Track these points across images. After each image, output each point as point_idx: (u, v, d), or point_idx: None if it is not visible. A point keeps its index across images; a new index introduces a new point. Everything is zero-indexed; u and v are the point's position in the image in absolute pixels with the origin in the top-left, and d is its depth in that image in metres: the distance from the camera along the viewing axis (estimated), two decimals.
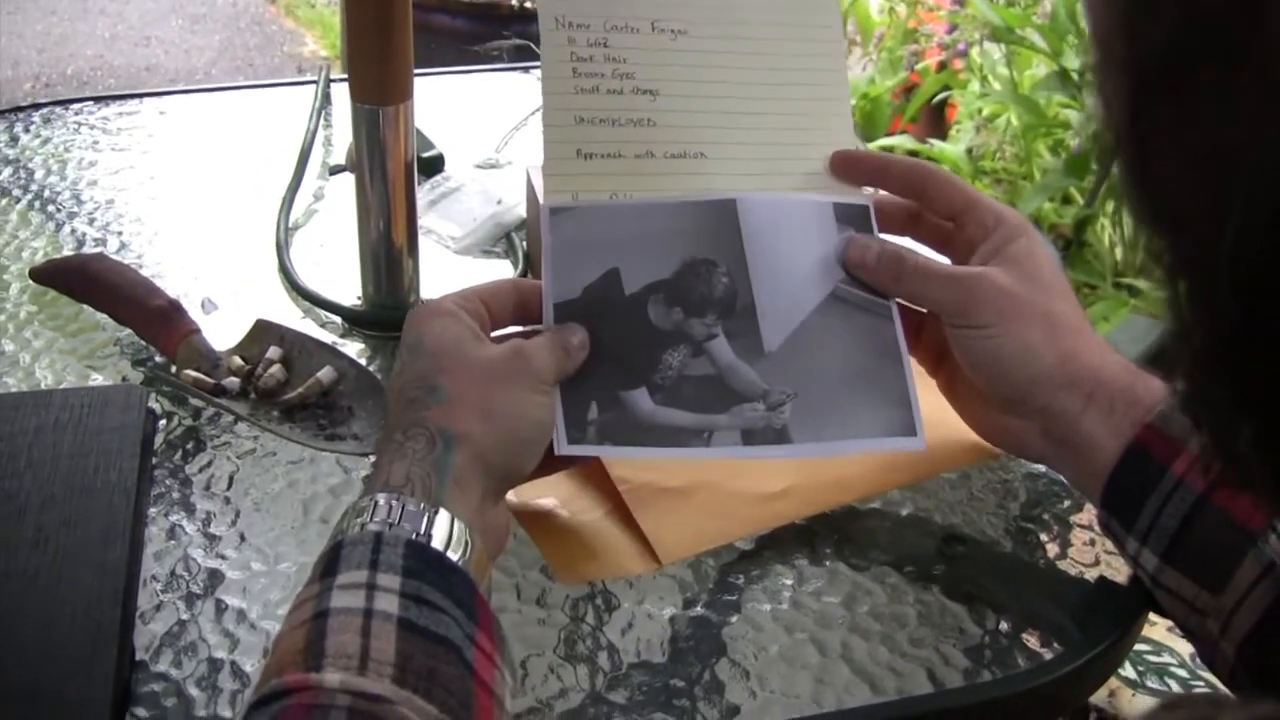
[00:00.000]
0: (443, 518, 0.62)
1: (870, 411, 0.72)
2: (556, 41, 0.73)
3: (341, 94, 1.24)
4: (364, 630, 0.57)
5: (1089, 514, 0.82)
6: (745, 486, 0.77)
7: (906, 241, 0.77)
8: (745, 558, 0.77)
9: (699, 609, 0.74)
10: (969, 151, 2.76)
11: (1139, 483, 0.69)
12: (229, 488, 0.81)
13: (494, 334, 0.71)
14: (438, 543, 0.61)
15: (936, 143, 2.83)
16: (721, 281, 0.72)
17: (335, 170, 0.95)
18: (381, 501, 0.62)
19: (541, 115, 0.73)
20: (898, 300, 0.75)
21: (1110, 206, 2.44)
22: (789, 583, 0.76)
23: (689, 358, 0.71)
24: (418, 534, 0.61)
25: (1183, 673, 1.22)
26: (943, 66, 2.98)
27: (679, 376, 0.71)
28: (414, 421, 0.65)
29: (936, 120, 3.12)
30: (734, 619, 0.74)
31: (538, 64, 0.78)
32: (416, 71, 0.90)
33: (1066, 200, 2.60)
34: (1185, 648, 1.24)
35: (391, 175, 0.91)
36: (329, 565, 0.60)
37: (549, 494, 0.77)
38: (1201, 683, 1.21)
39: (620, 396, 0.69)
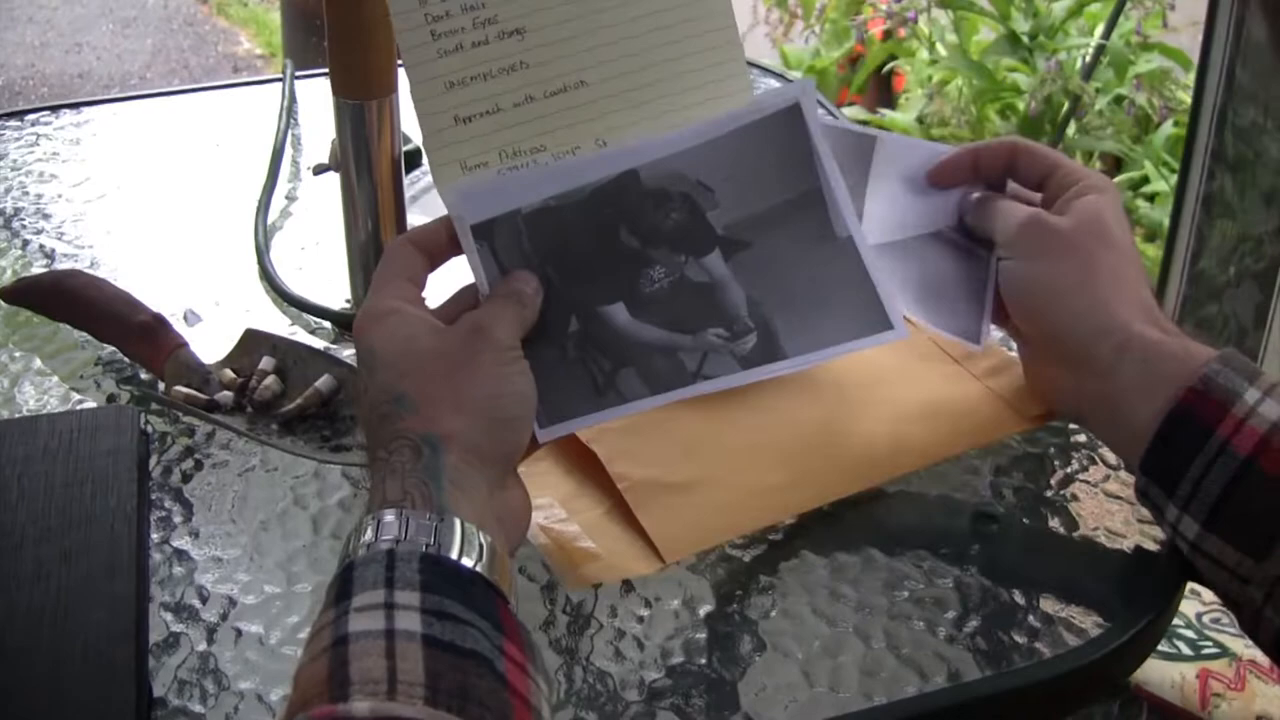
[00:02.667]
0: (451, 525, 0.59)
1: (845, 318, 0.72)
2: (404, 6, 0.68)
3: (304, 91, 1.21)
4: (388, 652, 0.54)
5: (1119, 483, 0.80)
6: (750, 479, 0.74)
7: None
8: (776, 549, 0.75)
9: (735, 604, 0.71)
10: (920, 119, 2.75)
11: (1181, 448, 0.68)
12: (233, 508, 0.77)
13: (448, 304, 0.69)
14: (451, 552, 0.58)
15: (887, 112, 2.82)
16: (671, 217, 0.70)
17: (319, 169, 0.91)
18: (387, 518, 0.59)
19: (409, 90, 0.68)
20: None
21: None
22: (824, 573, 0.73)
23: (668, 275, 0.70)
24: (428, 546, 0.58)
25: (1190, 633, 1.21)
26: (888, 36, 2.96)
27: (663, 290, 0.69)
28: (392, 435, 0.62)
29: (884, 90, 3.11)
30: (773, 614, 0.71)
31: None
32: None
33: None
34: (1191, 608, 1.22)
35: (378, 172, 0.88)
36: (342, 589, 0.57)
37: (546, 493, 0.74)
38: (1209, 643, 1.20)
39: (598, 311, 0.68)
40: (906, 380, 0.83)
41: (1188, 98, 2.57)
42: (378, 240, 0.90)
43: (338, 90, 0.86)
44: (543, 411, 0.67)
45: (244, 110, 1.22)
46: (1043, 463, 0.82)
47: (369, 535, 0.59)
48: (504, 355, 0.65)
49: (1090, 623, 0.71)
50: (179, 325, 0.90)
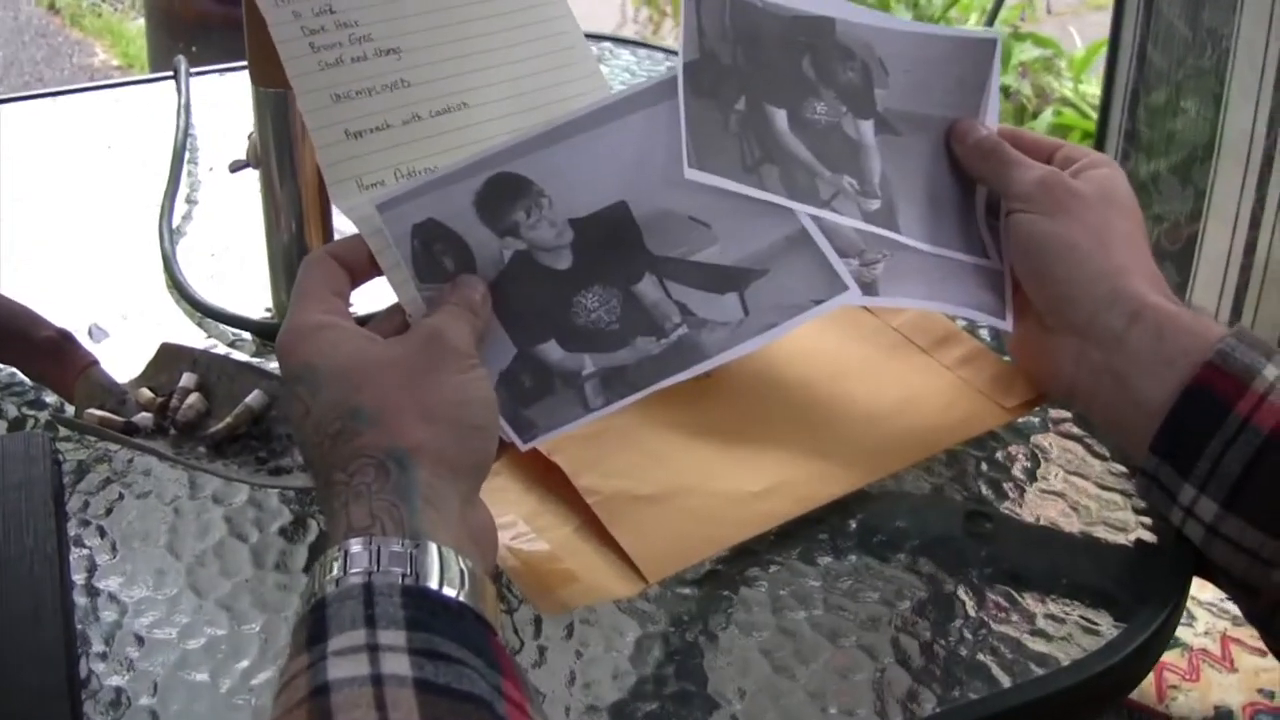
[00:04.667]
0: (427, 551, 0.53)
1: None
2: (282, 19, 0.66)
3: (201, 88, 1.14)
4: (378, 702, 0.47)
5: (1115, 476, 0.76)
6: (726, 487, 0.70)
7: None
8: (761, 560, 0.69)
9: (728, 624, 0.65)
10: None
11: (1198, 425, 0.65)
12: (166, 541, 0.70)
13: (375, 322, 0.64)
14: (431, 581, 0.52)
15: None
16: (849, 73, 0.73)
17: (237, 166, 0.83)
18: (356, 548, 0.52)
19: (299, 101, 0.66)
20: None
21: None
22: (817, 584, 0.68)
23: (828, 116, 0.73)
24: (405, 576, 0.52)
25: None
26: None
27: (820, 124, 0.73)
28: (351, 455, 0.56)
29: None
30: (767, 631, 0.65)
31: None
32: None
33: None
34: None
35: (302, 168, 0.81)
36: (315, 630, 0.50)
37: (508, 511, 0.68)
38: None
39: (763, 106, 0.70)
40: (877, 375, 0.79)
41: (1064, 86, 2.58)
42: (301, 242, 0.83)
43: (257, 80, 0.79)
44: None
45: (133, 111, 1.15)
46: (1031, 455, 0.77)
47: (336, 569, 0.52)
48: (464, 362, 0.60)
49: (1106, 623, 0.67)
50: (84, 342, 0.80)
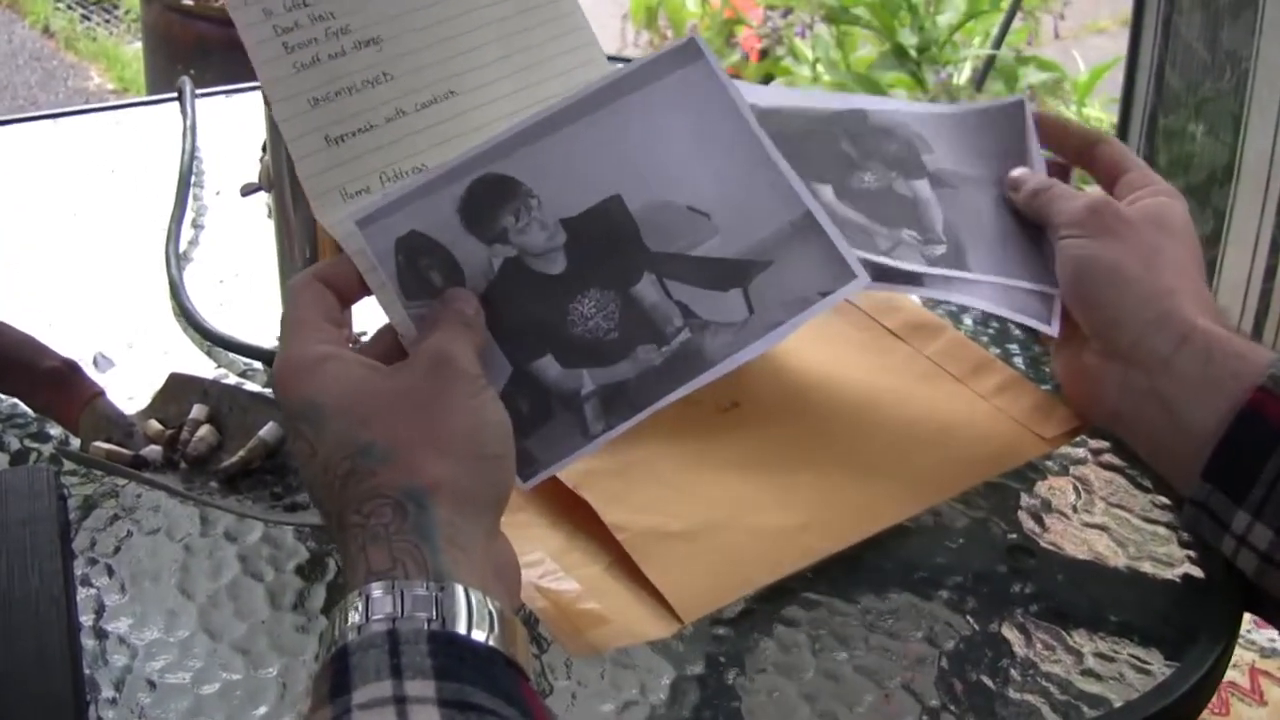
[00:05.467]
0: (453, 594, 0.50)
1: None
2: (250, 19, 0.62)
3: (204, 110, 1.11)
4: None
5: (1159, 509, 0.74)
6: (760, 522, 0.67)
7: None
8: (799, 598, 0.66)
9: (767, 666, 0.63)
10: None
11: (1251, 450, 0.64)
12: (177, 581, 0.67)
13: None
14: (459, 625, 0.50)
15: None
16: (892, 146, 0.74)
17: (249, 190, 0.81)
18: (377, 593, 0.50)
19: (271, 111, 0.63)
20: None
21: None
22: (857, 623, 0.65)
23: (877, 181, 0.72)
24: (430, 622, 0.49)
25: None
26: (764, 55, 2.93)
27: (870, 189, 0.73)
28: (365, 495, 0.53)
29: None
30: (808, 672, 0.62)
31: None
32: None
33: None
34: None
35: None
36: (338, 681, 0.48)
37: (535, 549, 0.65)
38: None
39: (809, 182, 0.67)
40: (910, 405, 0.77)
41: (1069, 110, 2.57)
42: None
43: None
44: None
45: (135, 134, 1.12)
46: (1072, 487, 0.75)
47: (357, 616, 0.50)
48: (474, 385, 0.57)
49: (1157, 661, 0.64)
50: (89, 372, 0.78)
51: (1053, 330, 0.72)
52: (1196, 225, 0.74)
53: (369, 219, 0.61)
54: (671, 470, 0.69)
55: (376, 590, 0.50)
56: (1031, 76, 2.53)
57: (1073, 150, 0.79)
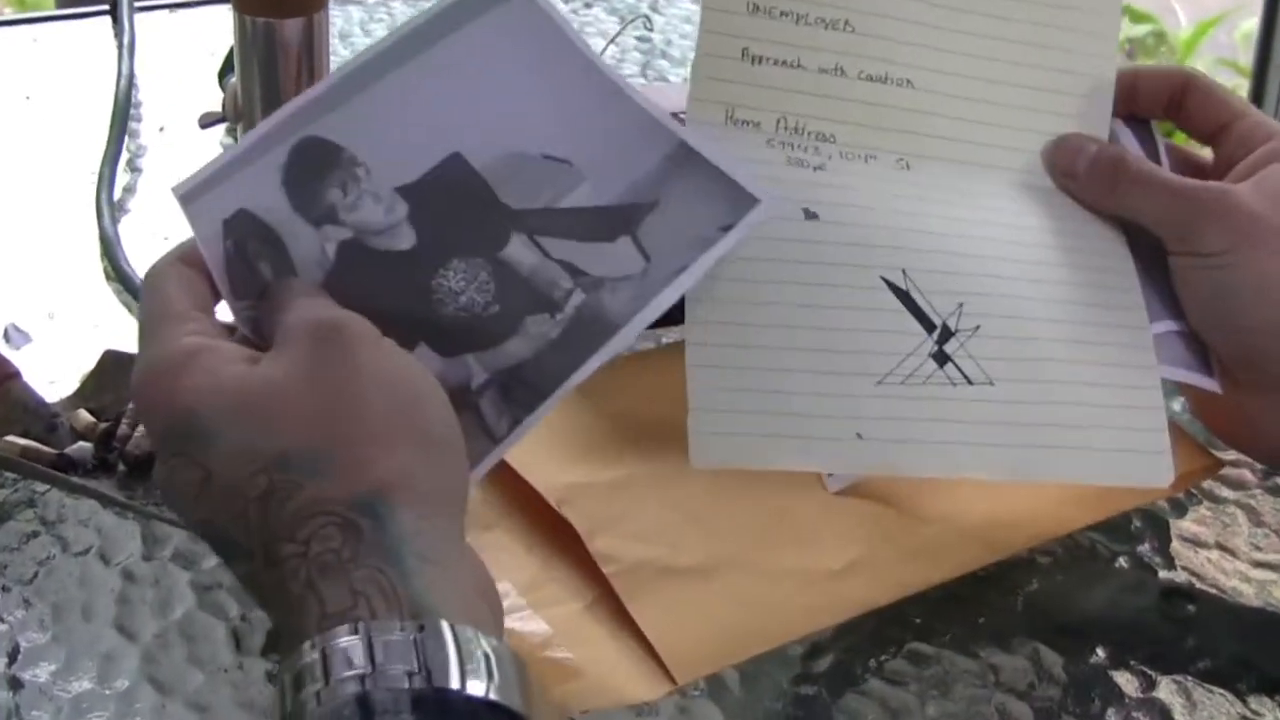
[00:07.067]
0: (440, 632, 0.47)
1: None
2: None
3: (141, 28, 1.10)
4: None
5: None
6: (795, 561, 0.66)
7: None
8: (903, 651, 0.64)
9: None
10: None
11: None
12: (114, 617, 0.64)
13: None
14: (450, 677, 0.47)
15: None
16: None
17: (208, 120, 0.80)
18: (340, 642, 0.47)
19: None
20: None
21: None
22: (978, 684, 0.63)
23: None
24: (413, 675, 0.46)
25: None
26: None
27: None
28: (298, 516, 0.50)
29: None
30: None
31: None
32: None
33: None
34: None
35: None
36: None
37: (502, 577, 0.63)
38: None
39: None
40: None
41: None
42: None
43: (244, 5, 0.76)
44: None
45: (57, 54, 1.11)
46: (1236, 519, 0.73)
47: (314, 680, 0.47)
48: (382, 347, 0.55)
49: None
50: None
51: (1214, 385, 0.69)
52: None
53: (193, 193, 0.60)
54: (683, 488, 0.67)
55: (340, 639, 0.47)
56: (1126, 29, 2.53)
57: (1158, 106, 0.73)
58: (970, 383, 0.63)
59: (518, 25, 0.65)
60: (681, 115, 0.66)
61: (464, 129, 0.63)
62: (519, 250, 0.62)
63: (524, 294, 0.61)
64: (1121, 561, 0.70)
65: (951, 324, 0.64)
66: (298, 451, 0.51)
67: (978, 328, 0.64)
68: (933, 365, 0.63)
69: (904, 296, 0.64)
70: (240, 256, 0.59)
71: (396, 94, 0.63)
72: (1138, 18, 2.66)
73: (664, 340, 0.76)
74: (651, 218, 0.63)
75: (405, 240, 0.61)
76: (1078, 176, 0.70)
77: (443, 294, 0.61)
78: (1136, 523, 0.72)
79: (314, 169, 0.61)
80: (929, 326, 0.64)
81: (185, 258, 0.59)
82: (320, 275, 0.60)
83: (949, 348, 0.63)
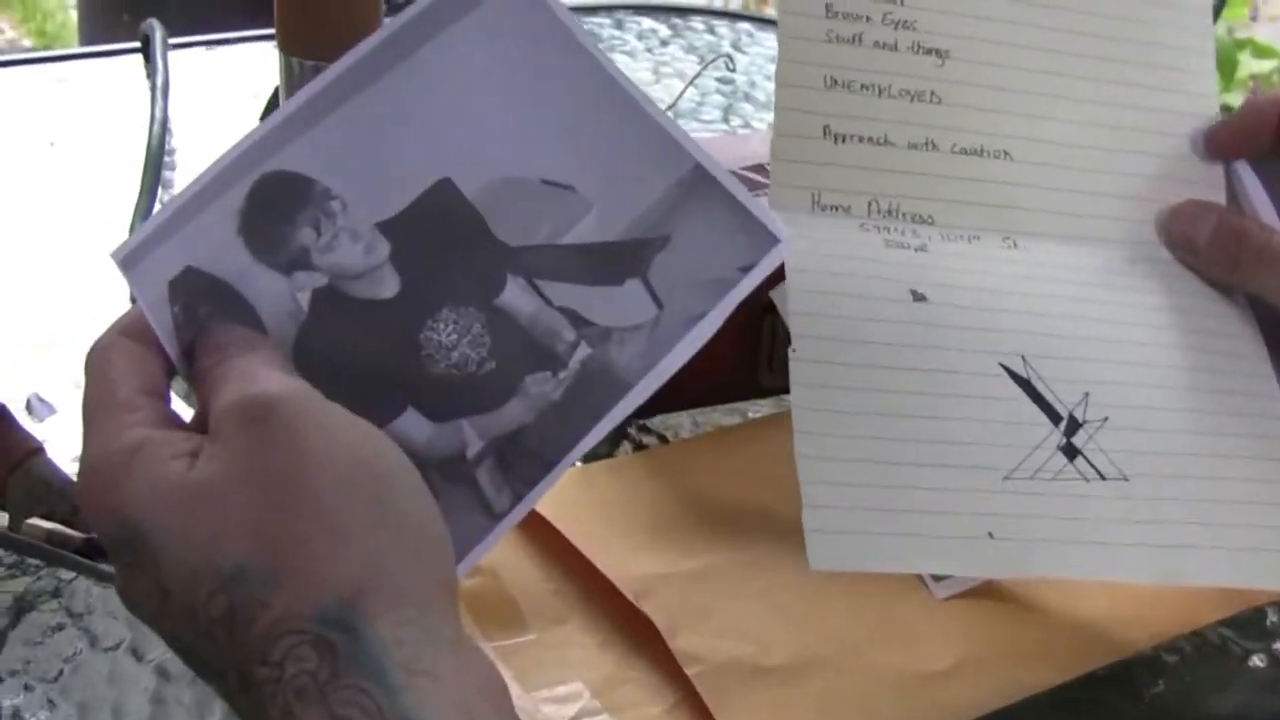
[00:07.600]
0: None
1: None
2: None
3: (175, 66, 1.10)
4: None
5: None
6: (894, 661, 0.66)
7: None
8: None
9: None
10: None
11: None
12: (149, 717, 0.64)
13: None
14: None
15: None
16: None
17: None
18: None
19: (776, 70, 0.66)
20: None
21: None
22: None
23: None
24: None
25: None
26: None
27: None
28: (266, 637, 0.48)
29: None
30: None
31: None
32: None
33: None
34: None
35: None
36: None
37: (573, 677, 0.65)
38: None
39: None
40: None
41: None
42: None
43: (290, 47, 0.78)
44: None
45: (83, 96, 1.11)
46: None
47: None
48: (329, 421, 0.51)
49: None
50: (23, 420, 0.78)
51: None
52: None
53: (133, 255, 0.57)
54: (770, 579, 0.68)
55: None
56: (1250, 65, 2.51)
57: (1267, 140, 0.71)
58: (1103, 478, 0.62)
59: (511, 22, 0.62)
60: (762, 167, 0.65)
61: (452, 150, 0.61)
62: (516, 296, 0.60)
63: (523, 348, 0.59)
64: (1256, 660, 0.69)
65: (1079, 414, 0.63)
66: (251, 566, 0.49)
67: (1106, 419, 0.63)
68: (1062, 459, 0.61)
69: (1026, 385, 0.63)
70: (190, 321, 0.57)
71: (373, 113, 0.60)
72: (1261, 52, 2.68)
73: (750, 415, 0.74)
74: (662, 257, 0.61)
75: (389, 287, 0.59)
76: (1198, 251, 0.69)
77: (432, 349, 0.59)
78: (1272, 617, 0.70)
79: (280, 208, 0.58)
80: (1054, 417, 0.62)
81: (128, 330, 0.56)
82: (294, 330, 0.58)
83: (1078, 440, 0.62)
